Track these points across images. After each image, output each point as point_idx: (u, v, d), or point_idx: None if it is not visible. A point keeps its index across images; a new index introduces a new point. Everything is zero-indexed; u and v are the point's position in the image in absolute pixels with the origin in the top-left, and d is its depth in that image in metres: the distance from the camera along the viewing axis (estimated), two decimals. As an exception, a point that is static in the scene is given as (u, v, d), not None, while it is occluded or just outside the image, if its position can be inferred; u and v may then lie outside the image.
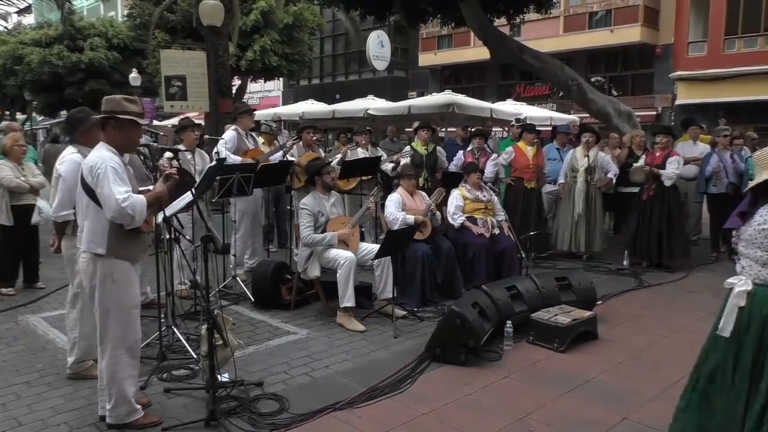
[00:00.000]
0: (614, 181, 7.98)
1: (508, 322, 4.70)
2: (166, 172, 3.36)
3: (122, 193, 3.11)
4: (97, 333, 3.38)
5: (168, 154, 4.12)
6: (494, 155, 8.33)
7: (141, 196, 3.21)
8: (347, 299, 5.12)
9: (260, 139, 7.50)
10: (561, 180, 8.10)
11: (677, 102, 20.53)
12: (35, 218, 6.30)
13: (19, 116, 31.92)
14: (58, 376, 4.14)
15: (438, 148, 8.45)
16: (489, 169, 7.88)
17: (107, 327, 3.29)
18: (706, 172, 7.89)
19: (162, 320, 4.51)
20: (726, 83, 19.00)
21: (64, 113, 29.88)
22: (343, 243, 5.38)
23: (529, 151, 7.86)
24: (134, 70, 23.74)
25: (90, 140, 3.89)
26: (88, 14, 33.07)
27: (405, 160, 7.74)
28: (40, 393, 3.90)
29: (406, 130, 13.14)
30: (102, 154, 3.21)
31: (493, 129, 14.40)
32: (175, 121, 17.71)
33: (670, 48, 20.82)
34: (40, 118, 38.47)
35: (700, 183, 8.22)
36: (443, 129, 13.52)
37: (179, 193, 4.10)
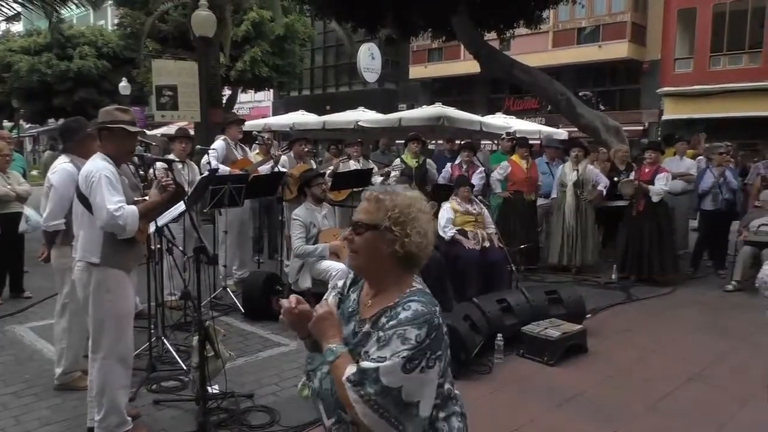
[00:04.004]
0: (604, 193, 8.03)
1: (499, 335, 4.71)
2: (163, 183, 3.36)
3: (114, 203, 3.11)
4: (88, 342, 3.36)
5: (162, 165, 4.12)
6: (480, 168, 8.37)
7: (133, 207, 3.21)
8: (338, 311, 5.11)
9: (255, 151, 7.51)
10: (554, 195, 8.16)
11: (664, 117, 20.78)
12: (23, 226, 6.25)
13: (6, 123, 31.68)
14: (45, 387, 4.10)
15: (428, 160, 8.48)
16: (475, 182, 7.93)
17: (101, 336, 3.26)
18: (700, 190, 7.92)
19: (152, 331, 4.49)
20: (712, 99, 19.27)
21: (52, 121, 29.75)
22: (335, 255, 5.38)
23: (523, 164, 7.92)
24: (124, 79, 23.69)
25: (84, 150, 3.89)
26: (78, 22, 32.94)
27: (395, 173, 7.76)
28: (27, 404, 3.87)
29: (397, 142, 13.20)
30: (97, 164, 3.22)
31: (482, 142, 14.49)
32: (164, 130, 17.67)
33: (657, 64, 21.10)
34: (27, 126, 38.23)
35: (693, 200, 8.28)
36: (433, 141, 13.59)
37: (171, 203, 4.09)
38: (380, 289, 1.85)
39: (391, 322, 1.70)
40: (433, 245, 1.85)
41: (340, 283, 2.04)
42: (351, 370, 1.68)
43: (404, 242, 1.76)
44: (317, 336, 1.79)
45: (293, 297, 1.84)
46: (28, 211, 6.30)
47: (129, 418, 3.39)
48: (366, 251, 1.81)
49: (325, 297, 2.03)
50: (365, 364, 1.66)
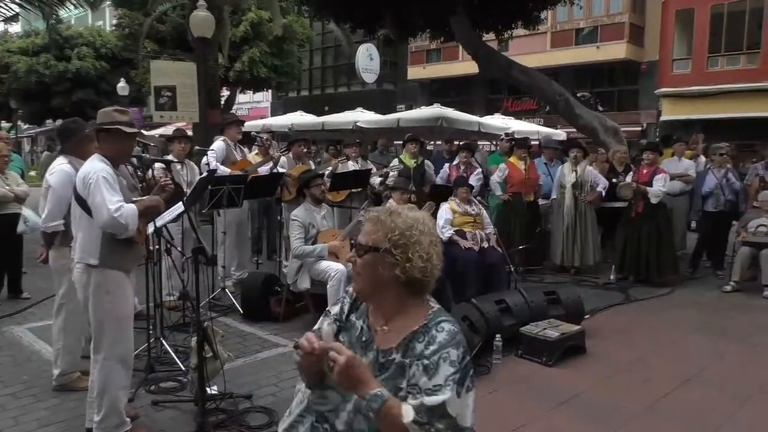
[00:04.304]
0: (603, 194, 8.03)
1: (498, 335, 4.72)
2: (161, 182, 3.35)
3: (114, 202, 3.11)
4: (83, 344, 3.36)
5: (160, 165, 4.12)
6: (478, 170, 8.39)
7: (132, 206, 3.21)
8: (337, 312, 5.10)
9: (254, 152, 7.51)
10: (554, 195, 8.17)
11: (662, 118, 20.81)
12: (21, 227, 6.23)
13: (4, 124, 31.67)
14: (43, 388, 4.09)
15: (426, 161, 8.48)
16: (473, 183, 7.92)
17: (101, 337, 3.26)
18: (703, 192, 7.92)
19: (150, 332, 4.48)
20: (709, 100, 19.31)
21: (50, 122, 29.72)
22: (334, 255, 5.38)
23: (521, 165, 7.93)
24: (122, 79, 23.68)
25: (82, 151, 3.89)
26: (76, 23, 32.93)
27: (393, 174, 7.76)
28: (25, 405, 3.86)
29: (395, 142, 13.22)
30: (95, 165, 3.21)
31: (479, 143, 14.49)
32: (162, 130, 17.65)
33: (655, 65, 21.14)
34: (25, 127, 38.19)
35: (695, 201, 8.27)
36: (431, 142, 13.58)
37: (170, 204, 4.09)
38: (392, 314, 1.77)
39: (431, 347, 1.64)
40: (439, 268, 1.76)
41: (335, 310, 1.93)
42: (410, 411, 1.57)
43: (405, 267, 1.68)
44: (349, 386, 1.61)
45: (310, 335, 1.67)
46: (26, 212, 6.29)
47: (128, 419, 3.38)
48: (367, 274, 1.74)
49: (317, 326, 1.92)
50: (431, 400, 1.58)
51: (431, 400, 1.57)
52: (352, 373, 1.58)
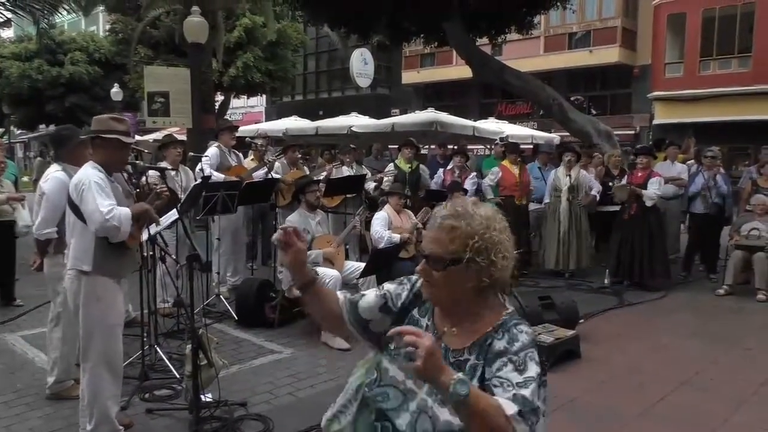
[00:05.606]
0: (597, 198, 8.05)
1: (493, 340, 4.70)
2: (157, 190, 3.35)
3: (106, 206, 3.12)
4: (78, 351, 3.34)
5: (155, 173, 4.11)
6: (473, 174, 8.41)
7: (126, 209, 3.22)
8: (332, 318, 5.09)
9: (250, 157, 7.50)
10: (546, 200, 8.18)
11: (655, 122, 20.90)
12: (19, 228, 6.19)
13: (-3, 130, 31.55)
14: (37, 396, 4.07)
15: (421, 165, 8.50)
16: (468, 188, 7.95)
17: (90, 345, 3.25)
18: (690, 192, 7.94)
19: (144, 339, 4.47)
20: (702, 103, 19.40)
21: (42, 127, 29.58)
22: (329, 261, 5.38)
23: (515, 169, 7.95)
24: (116, 84, 23.63)
25: (76, 158, 3.89)
26: (69, 28, 32.81)
27: (388, 179, 7.77)
28: (19, 413, 3.83)
29: (389, 147, 13.23)
30: (87, 172, 3.22)
31: (469, 146, 14.53)
32: (156, 135, 17.62)
33: (648, 69, 21.24)
34: (18, 132, 38.04)
35: (683, 202, 8.32)
36: (425, 146, 13.61)
37: (164, 211, 4.09)
38: (463, 317, 1.69)
39: (516, 344, 1.60)
40: (515, 261, 1.69)
41: (391, 288, 1.84)
42: (512, 403, 1.47)
43: (491, 271, 1.61)
44: (430, 374, 1.40)
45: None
46: (21, 214, 6.22)
47: (121, 427, 3.37)
48: (447, 286, 1.64)
49: (364, 292, 1.88)
50: (526, 391, 1.51)
51: (526, 392, 1.51)
52: (436, 358, 1.40)
